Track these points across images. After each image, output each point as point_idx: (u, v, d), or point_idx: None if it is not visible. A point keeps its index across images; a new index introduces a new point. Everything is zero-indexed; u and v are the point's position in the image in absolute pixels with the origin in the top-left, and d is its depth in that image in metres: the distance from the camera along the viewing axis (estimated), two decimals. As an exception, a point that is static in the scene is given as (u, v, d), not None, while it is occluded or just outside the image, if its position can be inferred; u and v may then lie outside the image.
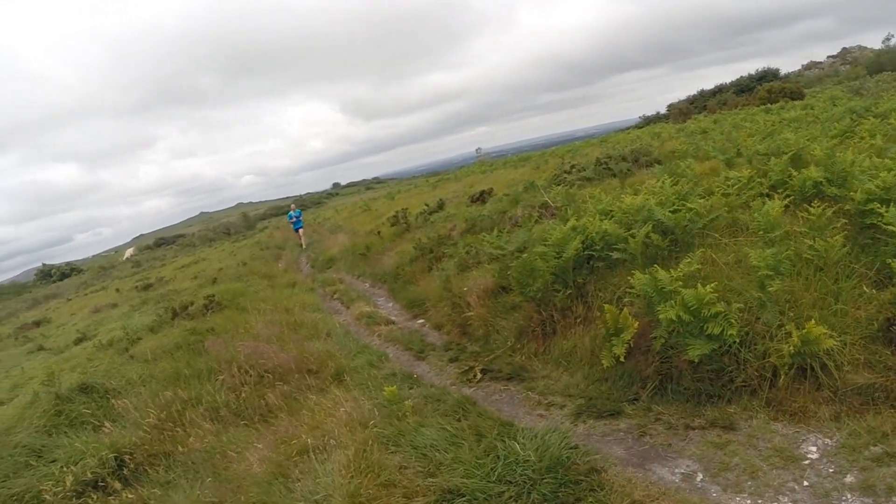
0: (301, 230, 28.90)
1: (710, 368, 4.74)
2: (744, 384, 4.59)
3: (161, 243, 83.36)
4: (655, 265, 5.38)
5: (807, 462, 3.84)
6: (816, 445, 3.96)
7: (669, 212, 6.61)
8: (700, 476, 4.00)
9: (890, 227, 5.06)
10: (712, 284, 4.69)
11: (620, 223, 6.86)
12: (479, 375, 6.64)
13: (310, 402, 6.51)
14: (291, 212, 29.76)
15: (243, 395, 7.02)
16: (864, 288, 4.88)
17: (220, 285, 16.65)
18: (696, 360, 4.62)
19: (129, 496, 5.43)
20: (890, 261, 4.77)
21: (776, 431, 4.21)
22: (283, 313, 11.17)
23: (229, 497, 4.97)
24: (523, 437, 4.47)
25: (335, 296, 13.68)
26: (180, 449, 6.16)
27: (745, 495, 3.69)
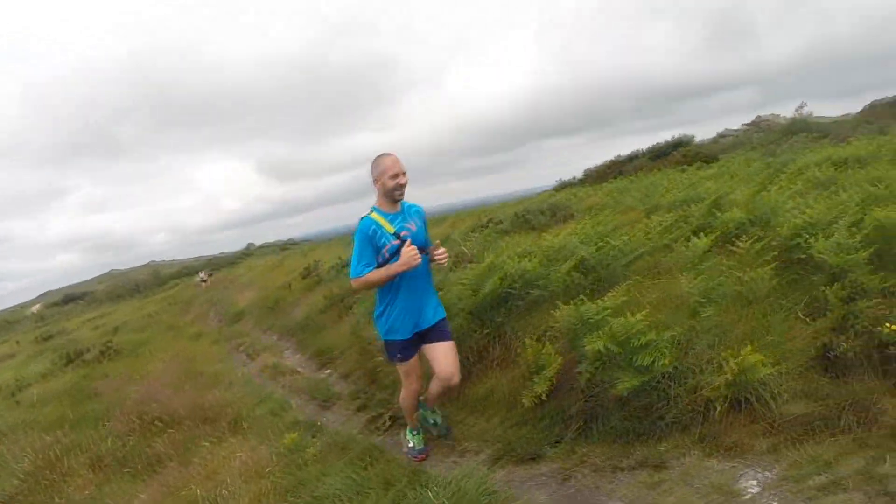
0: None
1: (638, 405, 4.66)
2: (675, 420, 4.51)
3: (69, 299, 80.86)
4: (581, 297, 5.32)
5: (748, 497, 3.75)
6: (756, 479, 3.87)
7: (593, 249, 6.61)
8: (632, 518, 3.86)
9: (821, 256, 5.16)
10: (643, 312, 4.64)
11: (540, 263, 6.82)
12: (388, 423, 6.50)
13: (203, 451, 6.30)
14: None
15: (130, 442, 6.83)
16: (799, 314, 4.94)
17: (121, 335, 16.89)
18: (624, 396, 4.54)
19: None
20: (823, 288, 4.84)
21: (711, 468, 4.12)
22: (184, 362, 11.12)
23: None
24: (436, 485, 4.31)
25: (241, 348, 13.69)
26: (57, 500, 5.94)
27: (685, 534, 3.56)
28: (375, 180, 4.64)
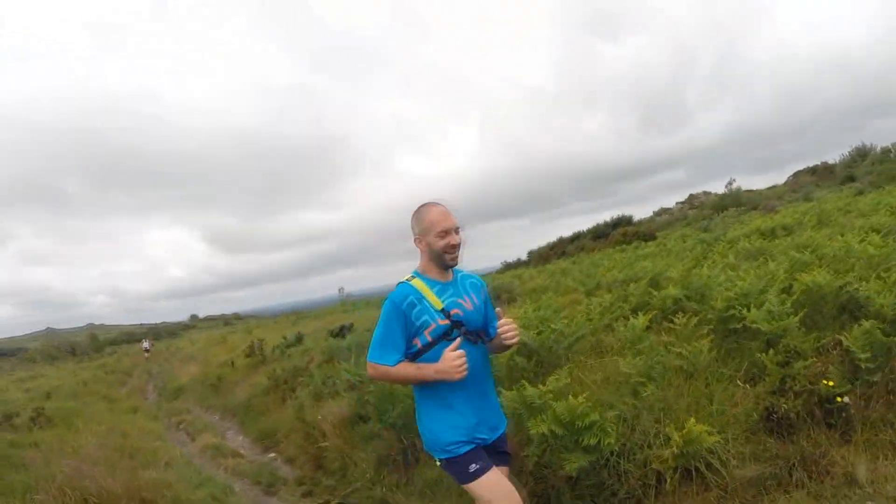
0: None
1: (589, 483, 4.65)
2: (628, 495, 4.50)
3: (0, 355, 77.53)
4: (523, 382, 5.35)
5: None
6: (714, 547, 3.89)
7: (534, 334, 6.68)
8: None
9: (754, 325, 5.32)
10: (584, 395, 4.68)
11: (482, 348, 6.85)
12: None
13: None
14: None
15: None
16: (739, 383, 5.05)
17: (53, 401, 16.25)
18: (575, 475, 4.52)
19: None
20: (760, 355, 4.97)
21: (668, 540, 4.12)
22: (119, 437, 10.62)
23: None
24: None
25: (181, 426, 13.47)
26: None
27: None
28: (418, 238, 3.49)
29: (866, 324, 4.80)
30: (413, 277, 3.48)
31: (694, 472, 4.35)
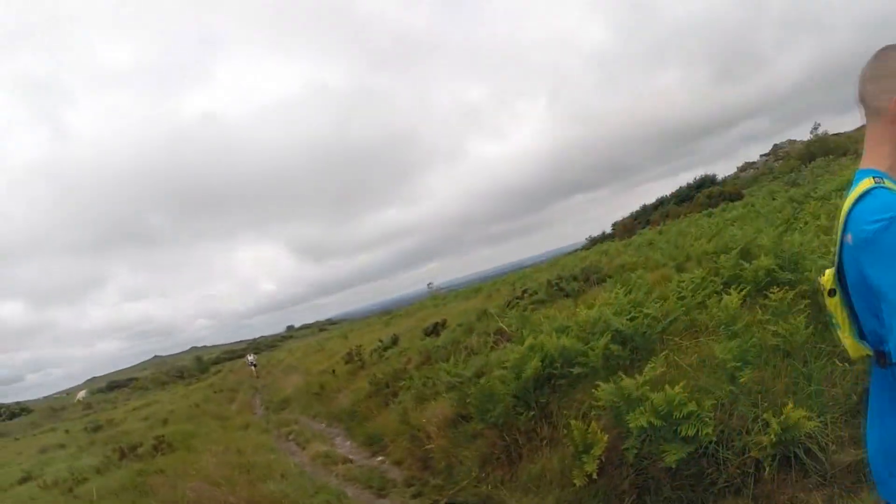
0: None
1: (688, 473, 4.73)
2: (727, 484, 4.57)
3: (114, 386, 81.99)
4: (619, 374, 5.43)
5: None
6: (815, 534, 3.92)
7: (626, 320, 6.74)
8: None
9: (851, 297, 5.25)
10: (681, 384, 4.75)
11: (578, 338, 6.97)
12: None
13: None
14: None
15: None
16: (837, 362, 4.99)
17: (170, 426, 17.04)
18: (674, 467, 4.60)
19: None
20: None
21: (769, 528, 4.16)
22: (235, 454, 11.14)
23: None
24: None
25: (290, 436, 13.79)
26: None
27: None
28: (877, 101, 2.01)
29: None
30: (881, 181, 1.92)
31: (793, 459, 4.38)
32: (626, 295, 7.96)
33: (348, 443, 11.82)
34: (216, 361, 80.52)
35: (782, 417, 4.24)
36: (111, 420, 27.11)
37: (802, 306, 5.74)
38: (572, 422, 5.53)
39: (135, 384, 76.82)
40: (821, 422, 4.39)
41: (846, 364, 4.97)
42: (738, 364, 4.89)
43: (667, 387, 4.70)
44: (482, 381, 7.23)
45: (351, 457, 10.48)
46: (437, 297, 46.94)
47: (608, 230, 51.01)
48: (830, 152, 36.98)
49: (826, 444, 4.36)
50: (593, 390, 5.59)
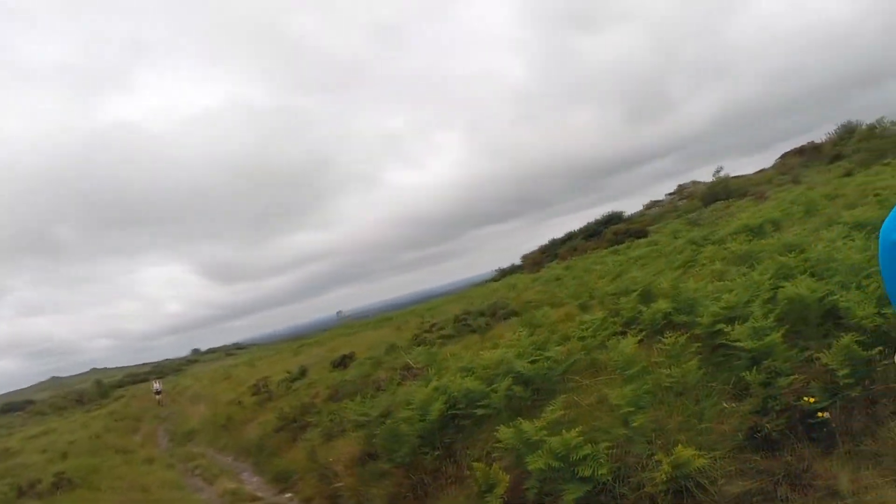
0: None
1: (588, 509, 4.89)
2: (625, 518, 4.75)
3: (8, 409, 77.27)
4: (519, 417, 5.62)
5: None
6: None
7: (528, 362, 6.96)
8: None
9: (738, 343, 5.58)
10: (577, 429, 4.96)
11: (482, 379, 7.13)
12: None
13: None
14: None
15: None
16: (724, 404, 5.32)
17: (71, 460, 16.28)
18: (574, 504, 4.77)
19: None
20: (744, 374, 5.23)
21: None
22: (139, 492, 10.90)
23: None
24: None
25: (196, 471, 13.44)
26: None
27: None
28: None
29: (845, 338, 5.03)
30: None
31: (685, 492, 4.61)
32: (528, 336, 8.20)
33: (256, 478, 11.69)
34: (118, 385, 77.85)
35: (673, 457, 4.46)
36: (7, 449, 25.79)
37: (694, 349, 6.05)
38: (475, 463, 5.67)
39: (32, 409, 73.25)
40: (710, 457, 4.65)
41: (734, 404, 5.28)
42: (632, 409, 5.11)
43: (564, 431, 4.88)
44: (388, 421, 7.32)
45: (259, 494, 10.38)
46: (347, 325, 46.80)
47: (518, 262, 51.74)
48: (731, 194, 38.65)
49: (716, 477, 4.62)
50: (495, 432, 5.74)
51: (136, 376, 79.36)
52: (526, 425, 5.28)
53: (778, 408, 4.94)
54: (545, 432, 5.13)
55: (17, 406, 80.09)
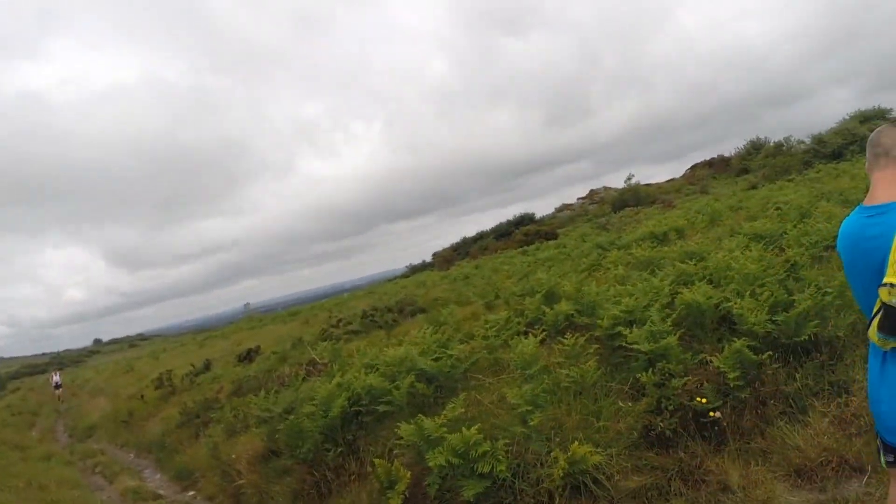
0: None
1: (489, 504, 4.99)
2: (524, 512, 4.86)
3: None
4: (421, 414, 5.69)
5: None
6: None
7: (432, 360, 7.05)
8: None
9: (635, 346, 5.79)
10: (476, 426, 5.08)
11: (385, 375, 7.19)
12: None
13: None
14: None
15: None
16: (621, 403, 5.55)
17: None
18: (472, 500, 4.87)
19: None
20: (640, 375, 5.43)
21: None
22: (37, 491, 10.49)
23: None
24: None
25: (97, 469, 13.22)
26: None
27: None
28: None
29: (736, 343, 5.30)
30: None
31: (582, 487, 4.77)
32: (433, 334, 8.28)
33: (158, 476, 11.55)
34: (14, 377, 75.06)
35: (569, 454, 4.61)
36: None
37: (593, 350, 6.25)
38: (376, 460, 5.72)
39: None
40: (606, 454, 4.85)
41: (630, 403, 5.49)
42: (530, 408, 5.24)
43: (463, 428, 4.97)
44: (291, 417, 7.29)
45: (161, 492, 10.23)
46: (254, 318, 46.35)
47: (428, 259, 52.01)
48: (640, 201, 39.76)
49: (612, 473, 4.80)
50: (397, 429, 5.79)
51: (35, 367, 76.57)
52: (427, 422, 5.34)
53: (671, 407, 5.14)
54: (445, 429, 5.20)
55: None
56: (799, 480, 4.38)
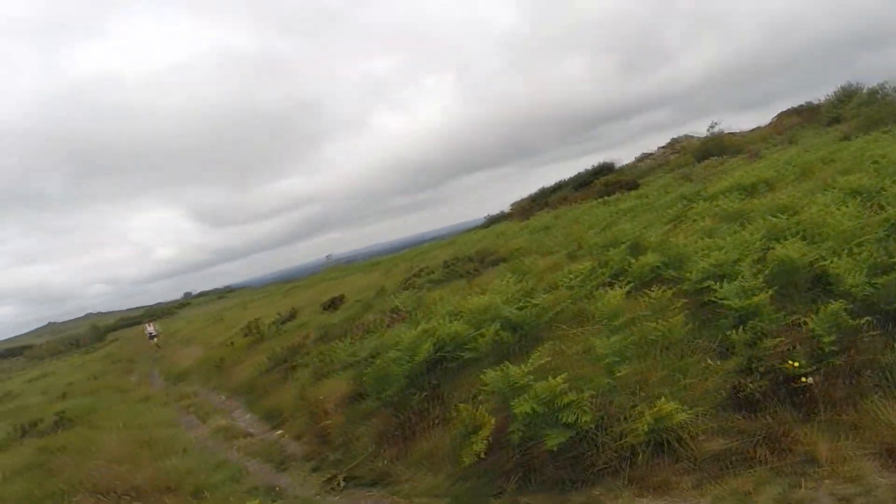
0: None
1: (569, 456, 5.05)
2: (605, 466, 4.91)
3: (7, 354, 77.92)
4: (506, 361, 5.71)
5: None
6: (685, 514, 4.26)
7: (516, 309, 7.04)
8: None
9: (725, 302, 5.67)
10: (562, 375, 5.06)
11: (469, 323, 7.23)
12: (342, 483, 6.71)
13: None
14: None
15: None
16: (709, 361, 5.42)
17: (70, 400, 16.60)
18: (556, 449, 4.90)
19: None
20: (730, 332, 5.33)
21: (644, 506, 4.50)
22: (136, 430, 11.06)
23: None
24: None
25: (190, 409, 13.68)
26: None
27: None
28: None
29: (834, 305, 5.10)
30: None
31: (665, 445, 4.75)
32: (516, 283, 8.28)
33: (248, 416, 11.84)
34: (113, 329, 78.11)
35: (655, 409, 4.58)
36: (8, 392, 25.95)
37: (680, 304, 6.15)
38: (461, 405, 5.79)
39: (30, 353, 73.53)
40: (692, 413, 4.77)
41: (718, 361, 5.39)
42: (617, 359, 5.22)
43: (549, 377, 4.98)
44: (377, 361, 7.43)
45: (251, 431, 10.53)
46: (337, 268, 46.97)
47: (506, 209, 51.68)
48: (724, 151, 38.61)
49: (696, 433, 4.75)
50: (481, 375, 5.85)
51: (130, 320, 79.57)
52: (512, 369, 5.38)
53: (762, 369, 5.03)
54: (531, 377, 5.23)
55: (16, 351, 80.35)
56: (889, 461, 4.16)
